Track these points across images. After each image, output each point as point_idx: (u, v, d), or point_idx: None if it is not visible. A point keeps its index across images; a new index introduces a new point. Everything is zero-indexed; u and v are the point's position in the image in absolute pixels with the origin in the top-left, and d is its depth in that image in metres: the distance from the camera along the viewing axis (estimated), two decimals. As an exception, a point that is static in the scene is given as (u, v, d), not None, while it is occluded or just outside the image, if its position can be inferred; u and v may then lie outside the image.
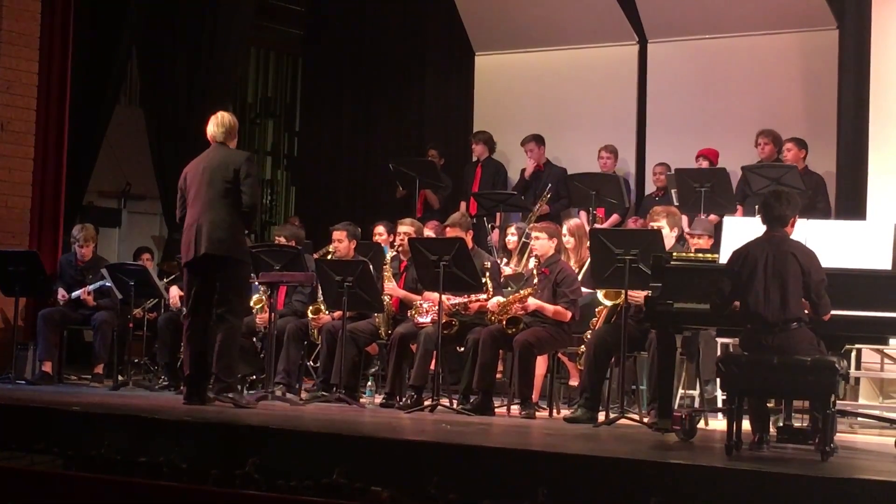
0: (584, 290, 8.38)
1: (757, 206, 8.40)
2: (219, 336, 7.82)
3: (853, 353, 8.78)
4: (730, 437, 6.02)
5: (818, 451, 5.93)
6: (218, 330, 7.83)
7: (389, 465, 5.78)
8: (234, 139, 8.13)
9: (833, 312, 6.20)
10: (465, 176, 12.01)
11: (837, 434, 6.41)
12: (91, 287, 9.88)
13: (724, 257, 6.66)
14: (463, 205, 11.48)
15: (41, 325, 9.72)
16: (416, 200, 11.46)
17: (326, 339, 8.77)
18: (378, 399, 8.72)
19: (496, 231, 10.86)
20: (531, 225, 9.34)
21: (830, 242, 6.63)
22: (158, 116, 12.48)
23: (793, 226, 6.31)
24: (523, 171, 11.61)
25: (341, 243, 9.16)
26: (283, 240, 9.50)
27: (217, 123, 8.08)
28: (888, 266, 6.59)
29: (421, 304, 8.64)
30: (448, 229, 8.83)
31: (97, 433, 6.55)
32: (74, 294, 9.90)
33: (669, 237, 7.78)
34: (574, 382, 9.37)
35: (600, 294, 8.12)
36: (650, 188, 11.25)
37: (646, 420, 7.43)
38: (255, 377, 9.33)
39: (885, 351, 8.90)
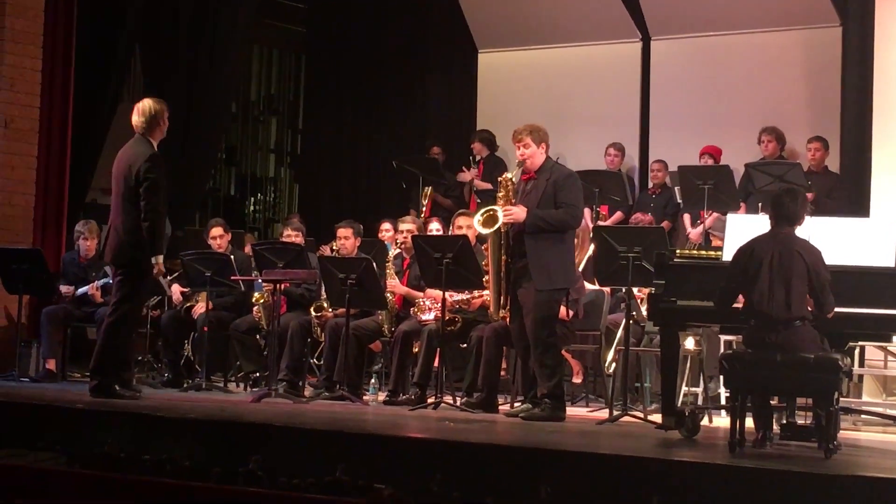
0: (587, 286, 8.39)
1: (760, 204, 8.36)
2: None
3: (857, 351, 8.77)
4: (733, 434, 6.01)
5: (821, 448, 5.92)
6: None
7: (392, 463, 5.78)
8: (157, 131, 7.57)
9: (836, 310, 6.19)
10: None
11: (841, 431, 6.41)
12: (99, 283, 9.85)
13: (727, 254, 6.65)
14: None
15: (45, 322, 9.71)
16: (419, 196, 11.43)
17: (330, 337, 8.77)
18: (381, 396, 8.71)
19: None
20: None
21: (834, 239, 6.61)
22: (161, 114, 12.46)
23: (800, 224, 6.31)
24: None
25: (347, 240, 9.19)
26: (290, 232, 9.48)
27: (138, 112, 7.63)
28: (891, 263, 6.58)
29: (423, 302, 8.64)
30: (461, 217, 8.78)
31: (100, 431, 6.55)
32: (81, 290, 9.87)
33: (539, 154, 7.57)
34: (577, 379, 9.38)
35: (477, 223, 7.54)
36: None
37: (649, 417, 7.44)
38: (258, 374, 9.35)
39: (888, 348, 8.89)
